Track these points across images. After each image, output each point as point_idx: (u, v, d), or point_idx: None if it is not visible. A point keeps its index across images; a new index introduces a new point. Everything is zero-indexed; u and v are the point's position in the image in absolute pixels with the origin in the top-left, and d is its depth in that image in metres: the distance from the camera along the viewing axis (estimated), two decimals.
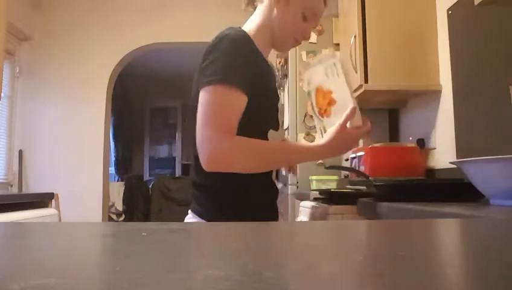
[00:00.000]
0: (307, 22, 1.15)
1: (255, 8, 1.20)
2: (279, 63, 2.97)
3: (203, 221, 1.10)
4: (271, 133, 1.12)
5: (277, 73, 3.15)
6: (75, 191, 3.82)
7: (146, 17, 4.04)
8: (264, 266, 0.27)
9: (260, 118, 1.09)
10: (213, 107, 0.98)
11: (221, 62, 1.00)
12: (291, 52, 2.62)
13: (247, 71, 1.02)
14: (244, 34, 1.06)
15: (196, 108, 1.02)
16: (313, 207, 1.84)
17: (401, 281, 0.23)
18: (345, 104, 1.11)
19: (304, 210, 2.04)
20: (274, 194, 1.20)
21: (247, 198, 1.11)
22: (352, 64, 2.09)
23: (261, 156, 1.04)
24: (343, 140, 1.08)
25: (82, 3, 4.05)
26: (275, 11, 1.13)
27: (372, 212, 1.17)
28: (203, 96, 0.99)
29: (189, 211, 1.16)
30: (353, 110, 1.11)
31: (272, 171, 1.16)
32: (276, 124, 1.15)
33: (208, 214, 1.09)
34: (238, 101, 1.00)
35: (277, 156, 1.08)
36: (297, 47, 2.58)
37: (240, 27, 1.11)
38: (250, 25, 1.16)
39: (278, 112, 1.16)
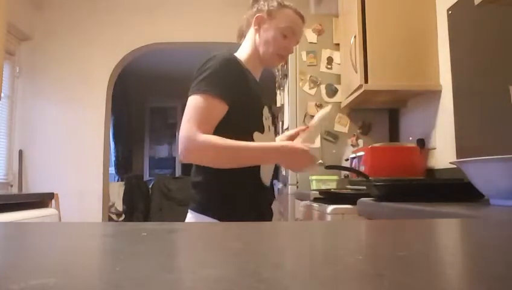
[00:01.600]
0: (288, 39, 1.34)
1: (243, 40, 1.41)
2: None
3: (204, 217, 1.21)
4: (258, 135, 1.27)
5: (277, 73, 3.16)
6: (75, 191, 3.82)
7: (146, 17, 4.04)
8: (263, 266, 0.27)
9: (245, 121, 1.26)
10: (194, 110, 1.17)
11: (207, 75, 1.19)
12: None
13: (229, 84, 1.20)
14: (230, 56, 1.26)
15: None
16: (312, 207, 1.84)
17: (401, 281, 0.23)
18: (311, 130, 1.34)
19: (304, 210, 2.04)
20: (265, 192, 1.33)
21: (241, 195, 1.25)
22: (352, 64, 2.09)
23: (231, 152, 1.17)
24: (291, 151, 1.22)
25: (82, 3, 4.05)
26: (258, 36, 1.35)
27: (372, 212, 1.17)
28: (190, 101, 1.19)
29: (189, 211, 1.26)
30: (306, 128, 1.35)
31: (258, 172, 1.28)
32: (260, 127, 1.29)
33: (206, 210, 1.22)
34: (217, 108, 1.18)
35: (245, 153, 1.19)
36: (297, 47, 2.57)
37: (229, 52, 1.29)
38: (242, 50, 1.37)
39: (262, 116, 1.31)
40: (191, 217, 1.26)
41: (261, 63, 1.37)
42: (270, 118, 1.37)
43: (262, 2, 1.37)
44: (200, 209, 1.23)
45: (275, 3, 1.34)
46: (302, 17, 1.37)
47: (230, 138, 1.17)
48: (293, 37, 1.35)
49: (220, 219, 1.18)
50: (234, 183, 1.23)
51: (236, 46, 1.41)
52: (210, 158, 1.17)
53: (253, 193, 1.28)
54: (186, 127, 1.15)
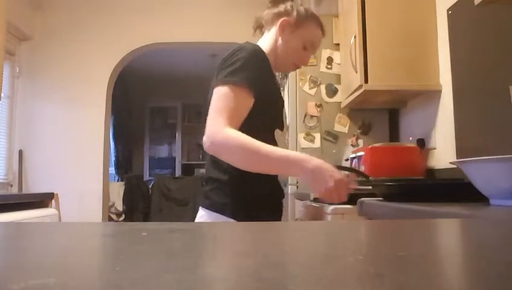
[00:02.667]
0: (307, 51, 1.34)
1: (262, 34, 1.39)
2: None
3: (220, 215, 1.18)
4: (278, 133, 1.28)
5: (277, 73, 3.16)
6: (75, 191, 3.82)
7: (146, 17, 4.04)
8: (264, 266, 0.27)
9: (269, 117, 1.25)
10: (225, 101, 1.12)
11: (237, 67, 1.15)
12: None
13: (258, 77, 1.17)
14: (260, 48, 1.24)
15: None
16: (313, 207, 1.84)
17: (401, 281, 0.23)
18: None
19: (304, 210, 2.04)
20: (281, 193, 1.33)
21: (257, 194, 1.22)
22: (352, 64, 2.09)
23: (258, 157, 1.10)
24: (324, 169, 1.11)
25: (82, 3, 4.05)
26: (280, 40, 1.32)
27: (372, 212, 1.17)
28: (217, 92, 1.14)
29: (202, 209, 1.24)
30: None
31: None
32: (281, 125, 1.31)
33: (224, 209, 1.19)
34: (245, 101, 1.15)
35: (271, 163, 1.12)
36: None
37: (255, 44, 1.26)
38: (262, 46, 1.31)
39: (283, 113, 1.33)
40: (204, 215, 1.22)
41: (274, 67, 1.34)
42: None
43: (289, 5, 1.34)
44: (216, 208, 1.20)
45: (303, 12, 1.33)
46: (323, 32, 1.37)
47: (252, 133, 1.10)
48: (311, 50, 1.35)
49: (238, 219, 1.14)
50: (260, 185, 1.21)
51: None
52: (234, 156, 1.11)
53: (275, 194, 1.29)
54: (215, 119, 1.11)
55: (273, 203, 1.28)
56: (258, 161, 1.10)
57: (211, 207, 1.21)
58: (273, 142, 1.27)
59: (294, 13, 1.32)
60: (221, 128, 1.09)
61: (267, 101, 1.21)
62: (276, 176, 1.27)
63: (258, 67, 1.19)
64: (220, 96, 1.13)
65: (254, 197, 1.21)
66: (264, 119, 1.20)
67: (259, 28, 1.40)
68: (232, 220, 1.15)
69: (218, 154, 1.14)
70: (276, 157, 1.10)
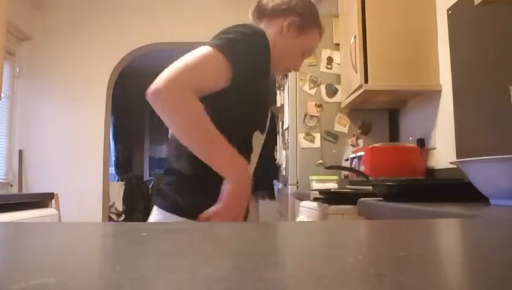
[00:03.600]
0: (303, 57, 1.25)
1: (259, 22, 1.22)
2: None
3: (169, 214, 1.04)
4: (257, 136, 1.14)
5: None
6: (75, 191, 3.82)
7: (146, 17, 4.04)
8: (264, 266, 0.27)
9: (253, 114, 1.12)
10: (197, 59, 0.99)
11: (232, 38, 1.02)
12: None
13: (250, 59, 1.04)
14: (267, 41, 1.08)
15: None
16: (312, 207, 1.84)
17: (401, 281, 0.23)
18: None
19: (304, 210, 2.04)
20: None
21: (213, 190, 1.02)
22: (352, 64, 2.09)
23: (207, 130, 0.97)
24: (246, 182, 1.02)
25: (82, 3, 4.05)
26: (281, 39, 1.17)
27: (372, 212, 1.17)
28: (197, 49, 1.00)
29: (157, 209, 1.08)
30: None
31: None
32: (264, 126, 1.17)
33: (176, 208, 1.04)
34: (221, 76, 1.00)
35: (219, 143, 0.99)
36: None
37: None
38: None
39: (267, 116, 1.18)
40: (158, 215, 1.06)
41: None
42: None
43: (300, 6, 1.20)
44: (170, 208, 1.05)
45: (312, 17, 1.22)
46: (321, 38, 1.29)
47: (228, 128, 0.98)
48: (307, 56, 1.27)
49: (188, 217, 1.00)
50: (215, 178, 1.01)
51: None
52: (181, 118, 0.97)
53: None
54: (180, 70, 0.96)
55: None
56: (200, 136, 0.98)
57: (166, 207, 1.06)
58: (249, 144, 1.11)
59: (305, 16, 1.20)
60: (181, 82, 0.95)
61: (257, 96, 1.10)
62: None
63: (256, 55, 1.06)
64: (195, 53, 0.99)
65: (214, 197, 1.01)
66: (248, 115, 1.07)
67: (259, 17, 1.22)
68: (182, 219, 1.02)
69: (160, 106, 0.96)
70: (220, 145, 0.98)
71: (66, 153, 3.91)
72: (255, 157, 1.16)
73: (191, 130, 0.99)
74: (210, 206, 1.00)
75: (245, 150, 1.08)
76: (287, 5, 1.19)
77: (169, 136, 1.15)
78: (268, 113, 1.19)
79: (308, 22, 1.21)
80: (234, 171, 1.00)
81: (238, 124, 1.07)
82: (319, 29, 1.25)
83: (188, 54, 1.00)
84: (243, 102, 1.07)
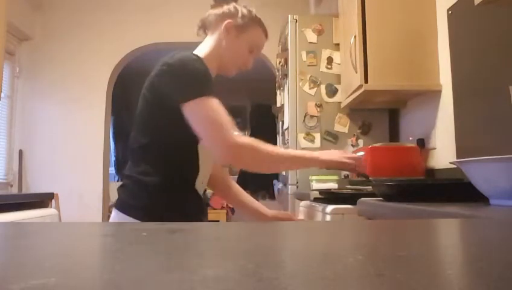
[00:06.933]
0: (252, 54, 1.34)
1: (205, 35, 1.36)
2: (279, 63, 2.97)
3: (121, 214, 1.16)
4: (201, 148, 1.24)
5: (277, 73, 3.15)
6: (75, 191, 3.83)
7: (146, 17, 4.04)
8: (264, 266, 0.27)
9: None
10: (215, 112, 1.12)
11: (193, 79, 1.14)
12: (291, 53, 2.62)
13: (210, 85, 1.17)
14: (196, 56, 1.20)
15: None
16: (313, 207, 1.84)
17: (401, 281, 0.23)
18: None
19: (304, 210, 2.04)
20: (197, 204, 1.29)
21: (173, 201, 1.19)
22: (352, 64, 2.09)
23: (278, 158, 1.21)
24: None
25: (82, 3, 4.05)
26: (224, 42, 1.30)
27: (372, 212, 1.17)
28: (194, 108, 1.12)
29: (114, 209, 1.21)
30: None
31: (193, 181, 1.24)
32: None
33: (131, 206, 1.17)
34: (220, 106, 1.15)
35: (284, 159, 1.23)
36: (297, 47, 2.57)
37: (191, 52, 1.23)
38: (203, 50, 1.31)
39: None
40: (115, 217, 1.19)
41: (218, 69, 1.33)
42: None
43: (233, 7, 1.32)
44: (123, 208, 1.17)
45: (248, 15, 1.31)
46: (267, 35, 1.36)
47: (176, 143, 1.17)
48: (257, 53, 1.35)
49: (141, 219, 1.12)
50: (177, 193, 1.20)
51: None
52: (253, 162, 1.18)
53: (191, 204, 1.24)
54: (220, 130, 1.11)
55: (187, 213, 1.21)
56: (284, 166, 1.34)
57: (121, 208, 1.18)
58: (195, 158, 1.23)
59: (239, 15, 1.30)
60: (233, 138, 1.11)
61: None
62: (193, 189, 1.24)
63: (208, 76, 1.17)
64: (207, 108, 1.12)
65: (169, 203, 1.17)
66: (189, 131, 1.14)
67: (203, 28, 1.37)
68: (136, 221, 1.13)
69: (236, 162, 1.17)
70: (291, 156, 1.26)
71: (66, 152, 3.91)
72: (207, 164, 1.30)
73: (277, 168, 1.34)
74: (152, 208, 1.15)
75: (191, 155, 1.24)
76: (221, 13, 1.32)
77: (130, 145, 1.26)
78: None
79: (245, 21, 1.30)
80: (307, 163, 1.32)
81: (188, 141, 1.19)
82: (259, 25, 1.33)
83: (200, 113, 1.12)
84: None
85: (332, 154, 1.30)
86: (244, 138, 1.14)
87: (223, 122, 1.12)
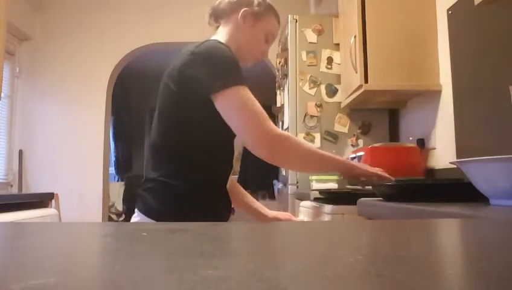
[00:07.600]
0: (267, 43, 1.30)
1: (217, 24, 1.30)
2: (279, 63, 2.97)
3: (146, 217, 1.12)
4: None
5: (277, 73, 3.15)
6: (75, 191, 3.83)
7: (146, 17, 4.04)
8: (264, 266, 0.27)
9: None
10: (251, 102, 1.09)
11: (225, 67, 1.10)
12: (291, 52, 2.62)
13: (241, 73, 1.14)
14: (227, 45, 1.17)
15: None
16: (313, 207, 1.84)
17: (401, 281, 0.23)
18: None
19: (304, 210, 2.04)
20: (226, 206, 1.24)
21: (200, 203, 1.13)
22: (352, 64, 2.09)
23: (316, 155, 1.19)
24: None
25: (82, 3, 4.05)
26: (241, 32, 1.25)
27: (372, 212, 1.17)
28: (230, 97, 1.08)
29: (136, 210, 1.17)
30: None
31: (224, 186, 1.22)
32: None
33: (157, 210, 1.12)
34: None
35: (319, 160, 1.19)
36: (297, 47, 2.57)
37: (217, 41, 1.18)
38: (221, 39, 1.23)
39: None
40: (136, 216, 1.15)
41: None
42: None
43: None
44: (150, 213, 1.12)
45: (263, 4, 1.27)
46: (279, 23, 1.33)
47: (211, 140, 1.12)
48: (272, 42, 1.32)
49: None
50: (205, 194, 1.15)
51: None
52: (292, 159, 1.17)
53: (219, 205, 1.21)
54: (257, 119, 1.07)
55: (215, 214, 1.16)
56: (312, 167, 1.29)
57: (142, 210, 1.13)
58: (231, 155, 1.22)
59: (256, 3, 1.26)
60: (272, 128, 1.09)
61: None
62: (224, 187, 1.21)
63: (239, 65, 1.14)
64: (243, 97, 1.08)
65: (196, 205, 1.12)
66: (225, 125, 1.10)
67: (214, 16, 1.30)
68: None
69: (272, 153, 1.12)
70: (326, 158, 1.20)
71: (66, 152, 3.91)
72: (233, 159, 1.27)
73: (310, 167, 1.34)
74: (181, 212, 1.09)
75: (228, 152, 1.21)
76: (236, 0, 1.26)
77: (150, 143, 1.20)
78: None
79: (261, 9, 1.27)
80: (337, 166, 1.25)
81: (227, 131, 1.13)
82: (273, 13, 1.30)
83: (240, 100, 1.08)
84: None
85: (365, 167, 1.26)
86: (281, 131, 1.12)
87: (261, 112, 1.08)
